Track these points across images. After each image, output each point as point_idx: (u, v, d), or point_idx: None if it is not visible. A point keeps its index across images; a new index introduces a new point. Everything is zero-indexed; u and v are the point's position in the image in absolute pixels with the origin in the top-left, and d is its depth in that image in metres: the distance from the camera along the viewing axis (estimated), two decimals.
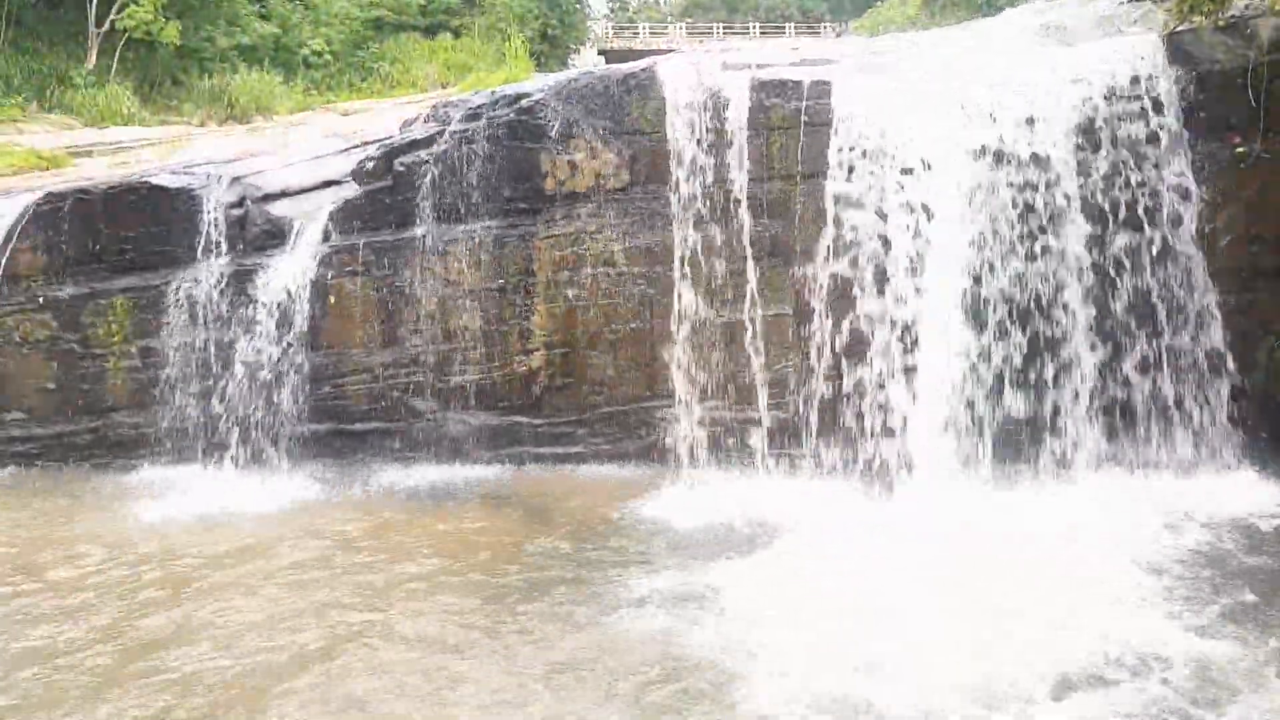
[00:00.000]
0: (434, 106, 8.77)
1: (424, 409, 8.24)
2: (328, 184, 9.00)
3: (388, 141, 8.71)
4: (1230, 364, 6.96)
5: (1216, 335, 6.98)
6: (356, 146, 9.59)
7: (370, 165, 8.44)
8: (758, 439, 7.74)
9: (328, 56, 21.04)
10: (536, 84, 8.56)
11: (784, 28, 35.31)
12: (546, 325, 8.04)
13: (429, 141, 8.31)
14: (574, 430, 8.08)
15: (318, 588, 5.75)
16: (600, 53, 31.36)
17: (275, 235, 8.57)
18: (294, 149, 10.37)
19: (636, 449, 7.99)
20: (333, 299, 8.29)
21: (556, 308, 8.02)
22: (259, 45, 20.17)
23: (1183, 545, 5.75)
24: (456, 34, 21.53)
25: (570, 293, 7.98)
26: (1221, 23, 7.36)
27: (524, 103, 8.11)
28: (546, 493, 7.42)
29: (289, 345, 8.23)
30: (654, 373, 7.97)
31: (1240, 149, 6.97)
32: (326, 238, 8.38)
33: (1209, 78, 7.07)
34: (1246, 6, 7.43)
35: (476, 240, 8.12)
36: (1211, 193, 7.00)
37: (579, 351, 8.03)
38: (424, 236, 8.23)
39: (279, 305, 8.25)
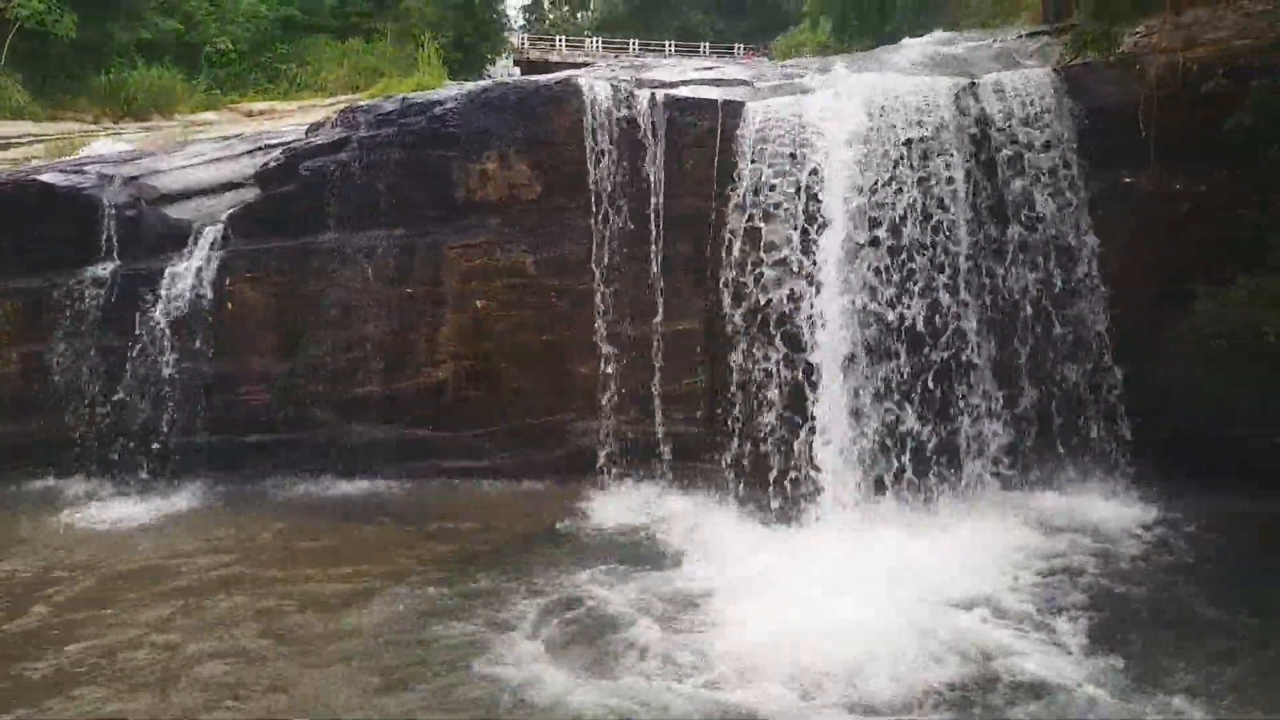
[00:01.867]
0: (343, 111, 8.58)
1: (326, 420, 8.02)
2: (229, 186, 8.72)
3: (293, 145, 8.49)
4: (1118, 387, 7.25)
5: (1108, 360, 7.27)
6: (260, 149, 9.32)
7: (274, 169, 8.21)
8: (667, 454, 7.74)
9: (233, 55, 20.43)
10: (450, 92, 8.46)
11: (699, 47, 35.75)
12: (455, 336, 7.91)
13: (336, 146, 8.12)
14: (483, 444, 7.96)
15: (207, 611, 5.50)
16: (516, 63, 31.21)
17: (171, 238, 8.25)
18: (194, 149, 10.01)
19: (547, 463, 7.90)
20: (231, 306, 8.01)
21: (466, 318, 7.90)
22: (161, 42, 19.46)
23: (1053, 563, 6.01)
24: (369, 38, 21.13)
25: (480, 303, 7.88)
26: (1113, 59, 7.72)
27: (436, 110, 8.00)
28: (452, 508, 7.27)
29: (184, 353, 7.92)
30: (566, 386, 7.92)
31: (1127, 180, 7.30)
32: (226, 242, 8.10)
33: (1099, 111, 7.39)
34: (1136, 44, 7.81)
35: (384, 248, 7.95)
36: (1102, 222, 7.30)
37: (489, 363, 7.92)
38: (329, 243, 8.02)
39: (174, 311, 7.93)
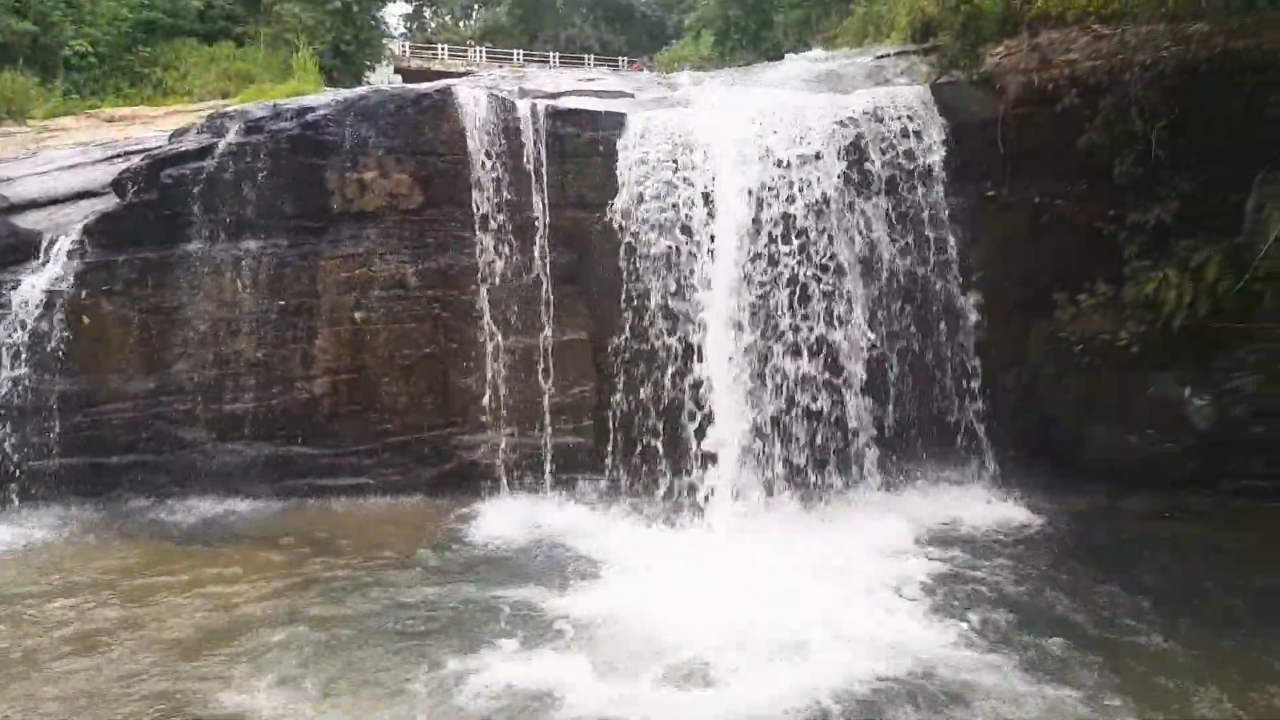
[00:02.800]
0: (209, 116, 8.23)
1: (193, 439, 7.64)
2: (85, 195, 8.26)
3: (155, 151, 8.08)
4: (985, 390, 7.56)
5: (975, 364, 7.57)
6: (120, 155, 8.86)
7: (134, 175, 7.79)
8: (555, 466, 7.67)
9: (93, 59, 19.35)
10: (325, 98, 8.21)
11: (583, 58, 35.82)
12: (332, 350, 7.66)
13: (202, 153, 7.77)
14: (361, 460, 7.72)
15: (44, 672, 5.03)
16: (397, 71, 30.59)
17: (22, 249, 7.74)
18: (47, 156, 9.43)
19: (431, 478, 7.73)
20: (87, 320, 7.56)
21: (343, 331, 7.66)
22: (13, 43, 18.29)
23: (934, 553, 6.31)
24: (240, 42, 20.33)
25: (358, 315, 7.65)
26: (975, 77, 8.07)
27: (310, 117, 7.75)
28: (331, 528, 7.00)
29: (35, 371, 7.42)
30: (448, 399, 7.76)
31: (990, 193, 7.63)
32: (81, 253, 7.63)
33: (965, 127, 7.71)
34: (997, 64, 8.18)
35: (254, 259, 7.64)
36: (966, 232, 7.62)
37: (368, 377, 7.70)
38: (195, 254, 7.66)
39: (24, 326, 7.43)
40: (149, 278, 7.64)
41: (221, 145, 7.75)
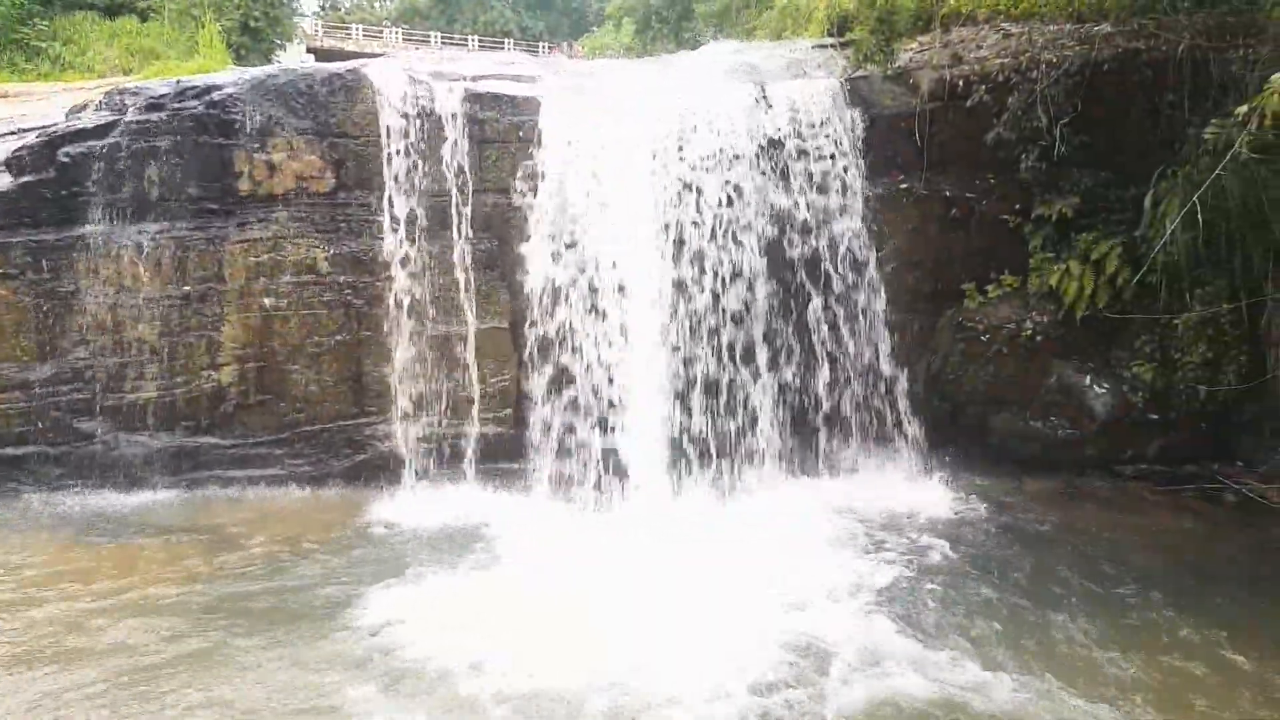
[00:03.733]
0: (108, 93, 7.86)
1: (92, 430, 7.33)
2: None
3: (51, 129, 7.69)
4: (897, 377, 7.73)
5: (887, 352, 7.73)
6: (13, 133, 8.40)
7: (28, 154, 7.41)
8: (474, 454, 7.58)
9: None
10: (231, 76, 7.92)
11: (503, 43, 35.41)
12: (239, 337, 7.42)
13: (101, 131, 7.44)
14: (271, 451, 7.52)
15: None
16: (309, 50, 29.81)
17: None
18: None
19: (344, 469, 7.57)
20: None
21: (251, 318, 7.43)
22: None
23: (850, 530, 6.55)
24: (144, 17, 19.54)
25: (267, 301, 7.43)
26: (890, 72, 8.21)
27: (215, 96, 7.47)
28: (238, 521, 6.79)
29: None
30: (362, 387, 7.60)
31: (903, 185, 7.79)
32: None
33: (879, 120, 7.85)
34: (911, 59, 8.35)
35: (157, 242, 7.35)
36: (880, 224, 7.76)
37: (277, 365, 7.48)
38: (94, 236, 7.34)
39: None
40: (45, 261, 7.29)
41: (122, 123, 7.42)
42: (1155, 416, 7.37)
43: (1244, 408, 7.25)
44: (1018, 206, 7.66)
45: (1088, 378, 7.49)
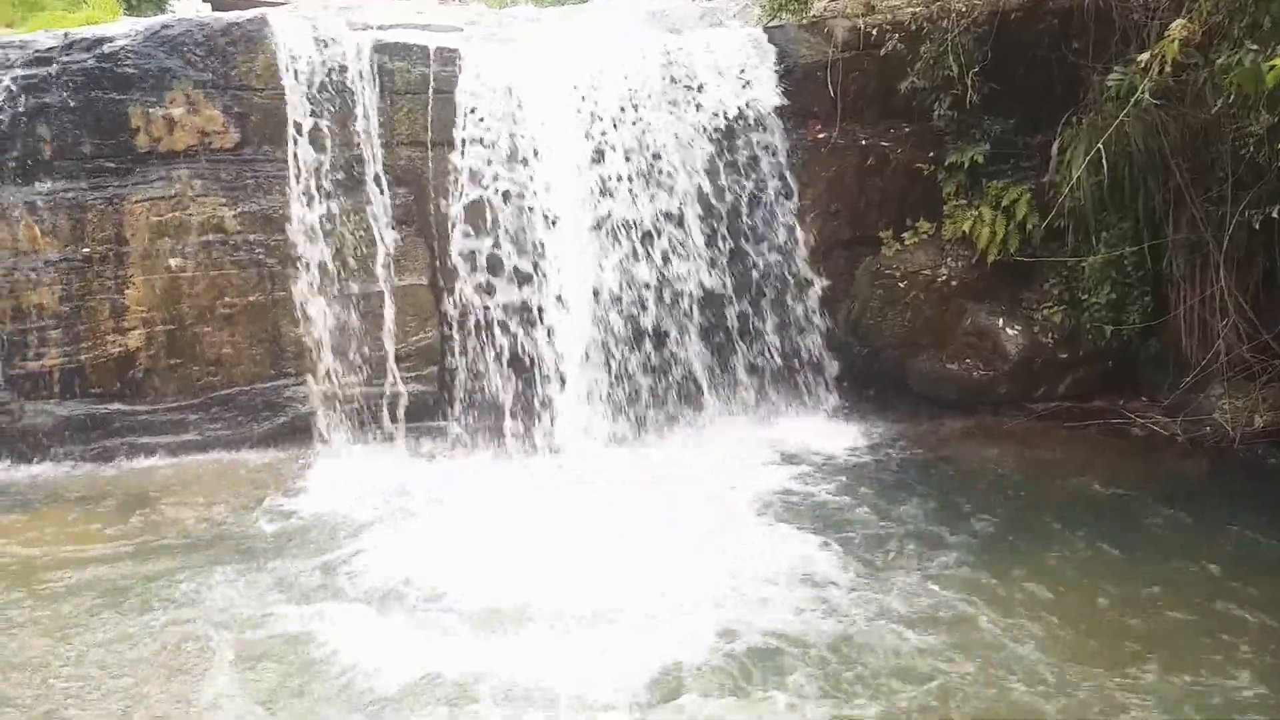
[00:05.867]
0: None
1: None
2: None
3: None
4: (820, 324, 7.85)
5: (811, 299, 7.83)
6: None
7: None
8: (398, 414, 7.48)
9: None
10: (123, 28, 7.52)
11: None
12: (145, 300, 7.15)
13: None
14: (186, 416, 7.29)
15: None
16: (206, 0, 28.55)
17: None
18: None
19: (263, 433, 7.39)
20: None
21: (157, 280, 7.15)
22: None
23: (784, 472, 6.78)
24: None
25: (174, 263, 7.15)
26: (805, 21, 8.21)
27: (106, 48, 7.10)
28: (154, 488, 6.62)
29: None
30: (279, 349, 7.41)
31: (820, 135, 7.84)
32: None
33: (797, 69, 7.86)
34: (825, 8, 8.35)
35: (51, 203, 7.00)
36: (800, 174, 7.81)
37: (187, 328, 7.24)
38: None
39: None
40: None
41: (7, 80, 7.01)
42: (1064, 355, 7.63)
43: (1148, 345, 7.55)
44: (931, 154, 7.78)
45: (1000, 320, 7.71)
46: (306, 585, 5.17)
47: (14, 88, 6.98)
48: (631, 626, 4.66)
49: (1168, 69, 5.66)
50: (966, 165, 7.62)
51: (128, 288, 7.13)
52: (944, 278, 7.70)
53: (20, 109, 6.96)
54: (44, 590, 5.12)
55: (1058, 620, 4.62)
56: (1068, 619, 4.63)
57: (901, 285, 7.78)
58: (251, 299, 7.31)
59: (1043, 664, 4.24)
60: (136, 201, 7.10)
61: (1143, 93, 5.97)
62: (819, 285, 7.84)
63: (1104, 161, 6.44)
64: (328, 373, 7.41)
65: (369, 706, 4.12)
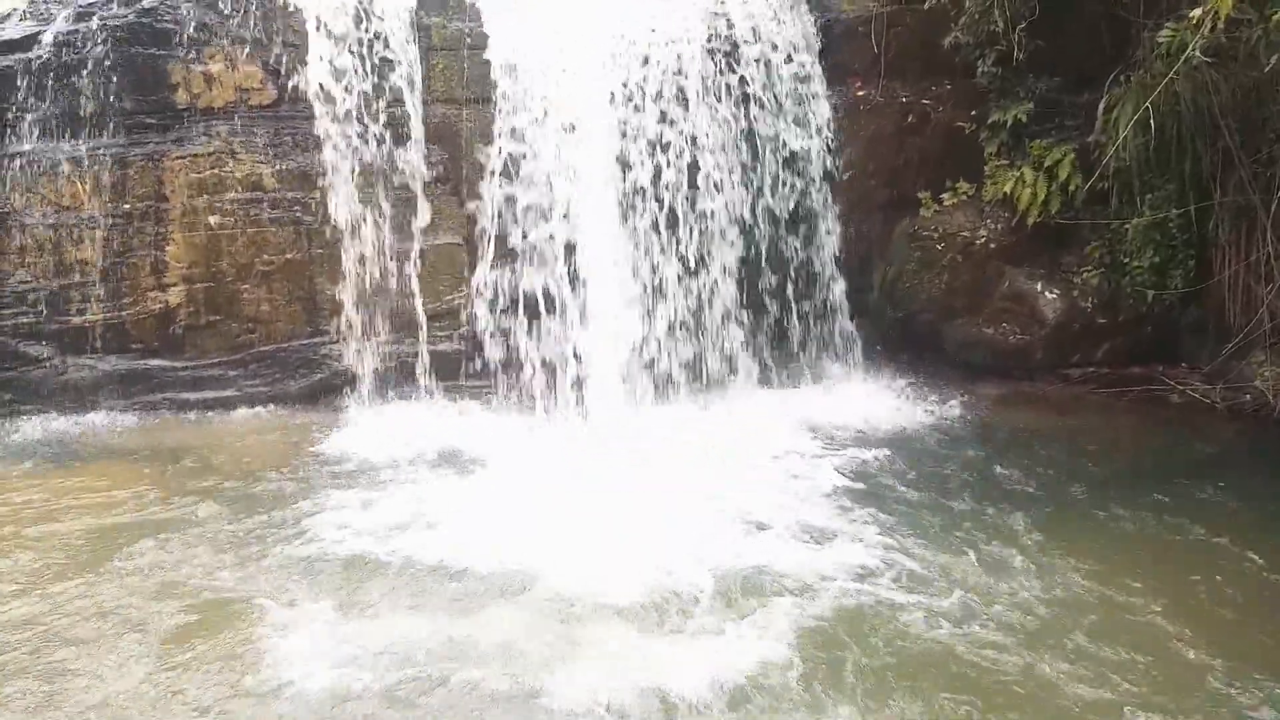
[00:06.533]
0: (31, 2, 7.47)
1: (38, 354, 7.17)
2: None
3: None
4: (852, 288, 7.78)
5: (842, 262, 7.76)
6: None
7: None
8: (431, 372, 7.55)
9: None
10: None
11: None
12: (185, 257, 7.24)
13: (27, 43, 7.10)
14: (225, 372, 7.41)
15: None
16: None
17: None
18: None
19: (300, 390, 7.49)
20: None
21: (197, 237, 7.24)
22: None
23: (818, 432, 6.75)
24: None
25: (213, 220, 7.23)
26: None
27: (146, 3, 7.14)
28: (190, 442, 6.73)
29: None
30: (315, 307, 7.49)
31: (860, 93, 7.71)
32: None
33: (836, 25, 7.72)
34: None
35: (94, 160, 7.09)
36: (838, 132, 7.70)
37: (226, 285, 7.33)
38: (27, 154, 7.06)
39: None
40: None
41: (49, 34, 7.08)
42: (1103, 321, 7.52)
43: (1189, 311, 7.42)
44: (973, 113, 7.64)
45: (1039, 284, 7.61)
46: (352, 520, 5.29)
47: (55, 43, 7.05)
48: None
49: (1220, 25, 5.50)
50: (1009, 124, 7.48)
51: (168, 244, 7.22)
52: (982, 240, 7.59)
53: (63, 64, 7.03)
54: (113, 533, 5.27)
55: (1095, 586, 4.55)
56: (1109, 585, 4.56)
57: (939, 247, 7.69)
58: (289, 256, 7.38)
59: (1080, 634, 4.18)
60: (176, 158, 7.17)
61: (1194, 50, 5.81)
62: (853, 247, 7.76)
63: (1151, 121, 6.29)
64: (362, 330, 7.49)
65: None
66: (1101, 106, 6.94)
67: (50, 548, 5.05)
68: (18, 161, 7.06)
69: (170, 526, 5.32)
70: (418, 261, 7.50)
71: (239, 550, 5.01)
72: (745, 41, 7.59)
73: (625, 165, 7.31)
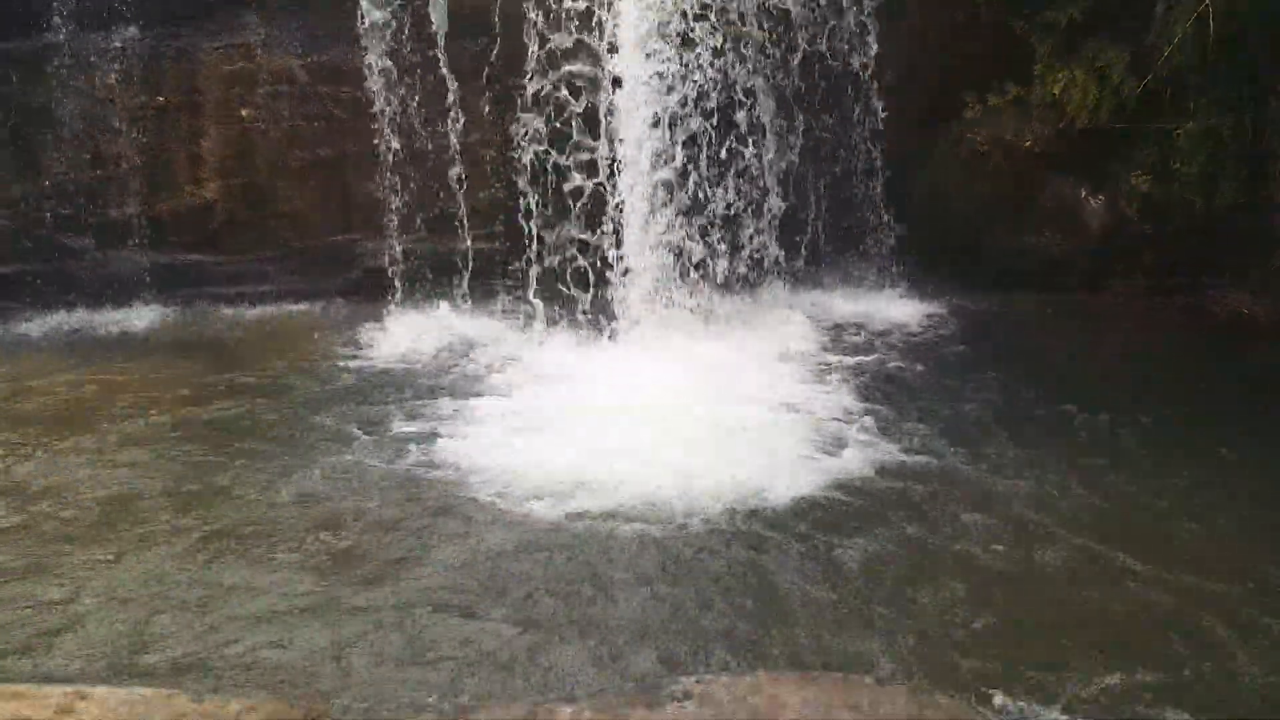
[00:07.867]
0: None
1: (80, 247, 7.28)
2: None
3: None
4: (891, 195, 7.62)
5: (882, 168, 7.58)
6: None
7: None
8: (465, 272, 7.55)
9: None
10: None
11: None
12: (220, 151, 7.24)
13: None
14: (262, 268, 7.49)
15: None
16: None
17: None
18: None
19: (337, 286, 7.56)
20: None
21: (231, 131, 7.22)
22: None
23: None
24: None
25: (245, 113, 7.19)
26: None
27: None
28: (236, 334, 6.89)
29: None
30: (350, 204, 7.49)
31: None
32: None
33: None
34: None
35: (127, 51, 7.05)
36: (881, 32, 7.42)
37: (261, 181, 7.34)
38: (61, 46, 7.03)
39: None
40: (11, 72, 7.04)
41: None
42: (1149, 230, 7.32)
43: (1239, 221, 7.20)
44: (1026, 11, 7.33)
45: (1083, 192, 7.40)
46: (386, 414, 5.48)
47: None
48: None
49: None
50: (1064, 24, 7.16)
51: (203, 139, 7.22)
52: (1028, 144, 7.36)
53: None
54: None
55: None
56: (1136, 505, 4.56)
57: (983, 151, 7.48)
58: (322, 152, 7.34)
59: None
60: (207, 50, 7.10)
61: None
62: (894, 153, 7.57)
63: (1211, 21, 6.01)
64: (396, 228, 7.48)
65: None
66: (1160, 5, 6.64)
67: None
68: (53, 53, 7.03)
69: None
70: (453, 159, 7.44)
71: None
72: None
73: (663, 67, 7.09)
